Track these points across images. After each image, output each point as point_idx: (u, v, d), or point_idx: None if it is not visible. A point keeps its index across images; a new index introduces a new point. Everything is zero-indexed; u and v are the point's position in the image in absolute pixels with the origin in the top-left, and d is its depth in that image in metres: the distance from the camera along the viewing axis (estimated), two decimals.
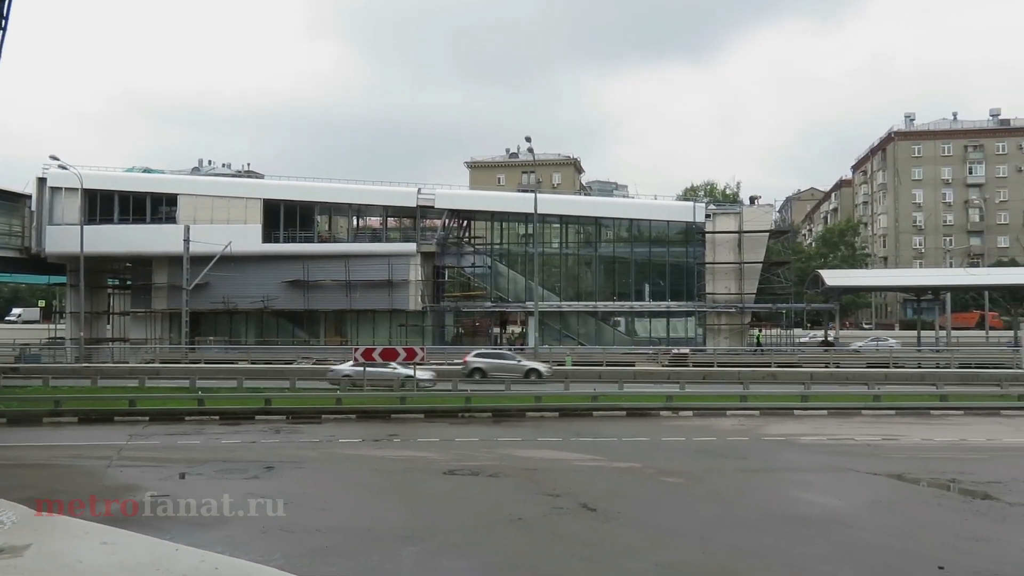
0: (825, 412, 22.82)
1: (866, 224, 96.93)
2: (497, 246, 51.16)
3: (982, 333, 52.68)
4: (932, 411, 23.11)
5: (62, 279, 52.54)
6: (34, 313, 77.17)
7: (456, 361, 39.48)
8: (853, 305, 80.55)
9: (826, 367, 37.15)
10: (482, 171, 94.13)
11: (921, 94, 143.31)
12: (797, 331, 50.24)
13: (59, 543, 3.80)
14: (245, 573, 3.53)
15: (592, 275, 49.70)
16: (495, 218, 51.54)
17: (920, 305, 57.76)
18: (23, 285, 78.23)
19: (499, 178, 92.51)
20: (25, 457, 16.96)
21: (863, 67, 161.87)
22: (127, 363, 40.99)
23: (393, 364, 29.81)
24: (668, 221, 48.38)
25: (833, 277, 50.87)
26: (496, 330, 51.45)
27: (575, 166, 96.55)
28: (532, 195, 44.73)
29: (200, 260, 43.87)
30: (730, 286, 46.46)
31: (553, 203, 50.75)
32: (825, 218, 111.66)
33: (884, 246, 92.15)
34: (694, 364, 38.05)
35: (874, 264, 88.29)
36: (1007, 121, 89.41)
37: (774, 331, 50.36)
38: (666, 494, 13.21)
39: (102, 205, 48.21)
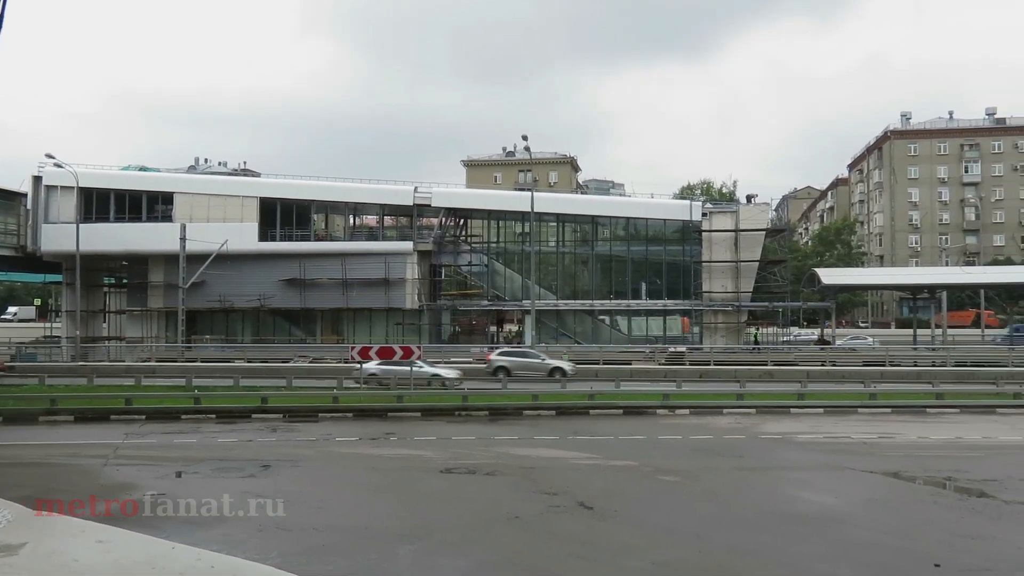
0: (821, 410, 22.83)
1: (862, 223, 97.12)
2: (494, 245, 51.15)
3: (978, 331, 52.82)
4: (928, 409, 23.13)
5: (58, 277, 52.42)
6: (30, 312, 77.05)
7: (453, 359, 39.56)
8: (849, 303, 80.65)
9: (822, 365, 37.22)
10: (479, 170, 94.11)
11: (917, 93, 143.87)
12: (793, 329, 50.34)
13: (55, 542, 3.79)
14: (241, 571, 3.52)
15: (589, 274, 49.72)
16: (492, 217, 51.53)
17: (916, 303, 57.82)
18: (19, 283, 78.04)
19: (496, 177, 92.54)
20: (21, 456, 16.91)
21: (860, 66, 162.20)
22: (123, 362, 40.90)
23: (420, 363, 29.90)
24: (665, 220, 48.40)
25: (829, 275, 50.94)
26: (493, 329, 51.45)
27: (572, 165, 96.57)
28: (529, 194, 44.79)
29: (196, 259, 43.79)
30: (727, 284, 46.51)
31: (550, 202, 50.77)
32: (821, 216, 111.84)
33: (880, 244, 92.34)
34: (691, 363, 38.09)
35: (870, 262, 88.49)
36: (1003, 120, 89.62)
37: (770, 329, 50.43)
38: (663, 492, 13.21)
39: (98, 203, 48.11)
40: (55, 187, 47.51)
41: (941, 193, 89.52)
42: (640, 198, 52.54)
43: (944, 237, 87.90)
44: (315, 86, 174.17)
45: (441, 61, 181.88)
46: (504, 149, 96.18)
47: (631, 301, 47.55)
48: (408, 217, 50.49)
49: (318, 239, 50.99)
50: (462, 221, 53.79)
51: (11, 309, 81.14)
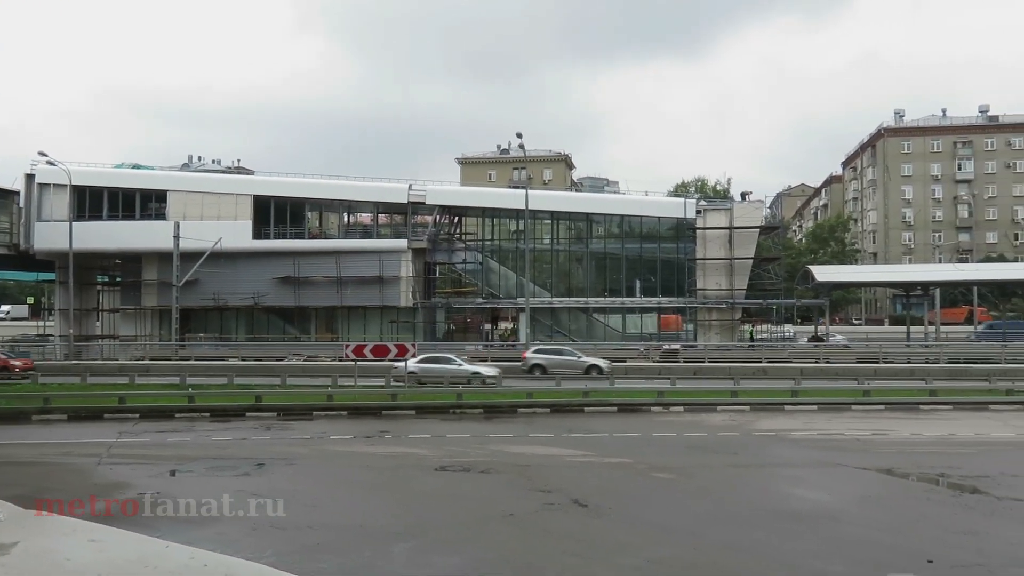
0: (815, 407, 22.88)
1: (856, 220, 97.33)
2: (488, 242, 51.15)
3: (971, 328, 52.99)
4: (921, 406, 23.21)
5: (51, 276, 52.27)
6: (22, 310, 76.86)
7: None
8: (843, 301, 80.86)
9: (816, 362, 37.31)
10: (473, 167, 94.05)
11: (911, 91, 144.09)
12: (787, 327, 50.42)
13: (47, 541, 3.78)
14: (234, 570, 3.52)
15: (583, 271, 49.74)
16: (486, 214, 51.52)
17: (909, 300, 58.03)
18: (11, 282, 77.81)
19: (490, 174, 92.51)
20: (14, 455, 16.85)
21: (854, 64, 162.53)
22: (117, 360, 40.84)
23: (458, 361, 29.96)
24: (659, 217, 48.44)
25: (823, 273, 51.06)
26: (487, 326, 51.44)
27: (566, 162, 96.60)
28: (523, 191, 44.73)
29: (190, 257, 43.68)
30: (721, 282, 46.57)
31: (544, 199, 50.74)
32: (815, 214, 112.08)
33: (874, 242, 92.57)
34: (685, 360, 38.13)
35: (864, 260, 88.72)
36: (996, 118, 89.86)
37: (764, 326, 50.56)
38: (657, 490, 13.23)
39: (91, 201, 47.94)
40: (48, 185, 47.34)
41: (934, 190, 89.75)
42: (634, 196, 52.53)
43: (937, 234, 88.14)
44: (308, 84, 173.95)
45: (435, 58, 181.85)
46: (498, 147, 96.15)
47: (625, 298, 47.57)
48: (402, 215, 50.44)
49: (312, 237, 50.89)
50: (457, 219, 53.74)
51: (3, 308, 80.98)
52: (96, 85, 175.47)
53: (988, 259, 77.10)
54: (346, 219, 53.90)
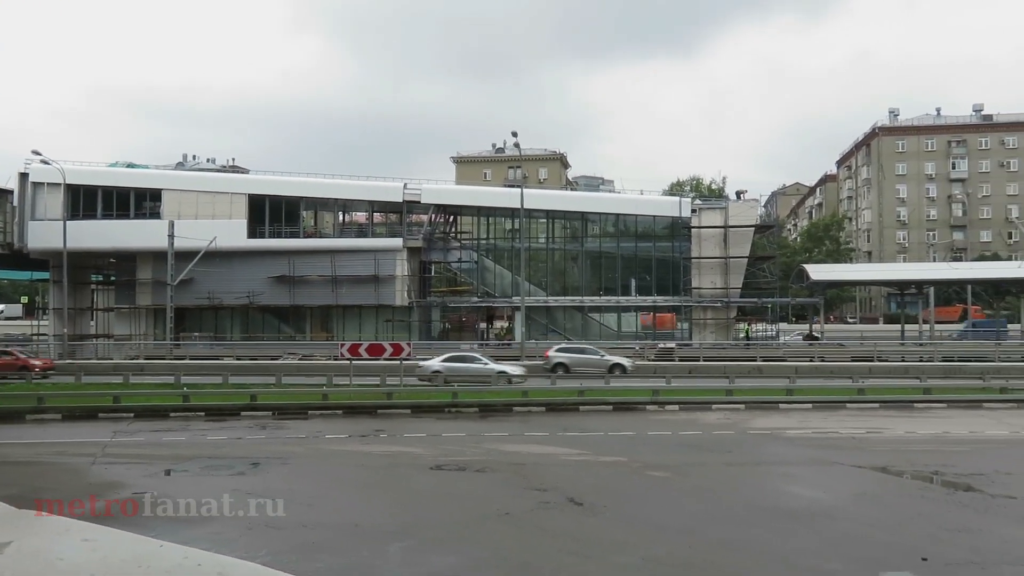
0: (810, 405, 22.93)
1: (850, 219, 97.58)
2: (483, 241, 51.13)
3: (961, 327, 53.13)
4: (916, 404, 23.28)
5: (45, 275, 52.04)
6: (16, 309, 76.58)
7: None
8: (838, 299, 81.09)
9: (811, 361, 37.39)
10: (468, 166, 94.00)
11: (905, 90, 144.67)
12: (783, 325, 50.53)
13: (40, 540, 3.76)
14: (228, 569, 3.50)
15: (578, 270, 49.76)
16: (481, 213, 51.50)
17: (904, 299, 58.27)
18: (5, 281, 77.61)
19: (485, 173, 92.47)
20: (8, 455, 16.79)
21: (848, 63, 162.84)
22: (111, 359, 40.75)
23: (484, 360, 29.85)
24: (654, 216, 48.47)
25: (818, 271, 51.18)
26: (483, 325, 51.42)
27: (561, 161, 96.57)
28: (518, 190, 44.70)
29: (185, 256, 43.58)
30: (716, 281, 46.62)
31: (539, 198, 50.73)
32: (810, 213, 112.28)
33: (868, 240, 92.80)
34: (680, 358, 38.19)
35: (858, 258, 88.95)
36: (990, 117, 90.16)
37: (760, 325, 50.64)
38: (653, 488, 13.24)
39: (85, 200, 47.82)
40: (42, 184, 47.18)
41: (929, 189, 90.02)
42: (630, 195, 52.59)
43: (931, 233, 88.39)
44: (303, 82, 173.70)
45: (429, 58, 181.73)
46: (494, 146, 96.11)
47: (620, 297, 47.59)
48: (398, 214, 50.40)
49: (307, 236, 50.87)
50: (452, 218, 53.71)
51: None
52: (90, 84, 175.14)
53: (982, 258, 77.36)
54: (341, 218, 53.83)
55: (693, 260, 46.62)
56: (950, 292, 60.62)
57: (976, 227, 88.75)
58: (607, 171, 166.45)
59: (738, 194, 51.74)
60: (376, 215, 52.13)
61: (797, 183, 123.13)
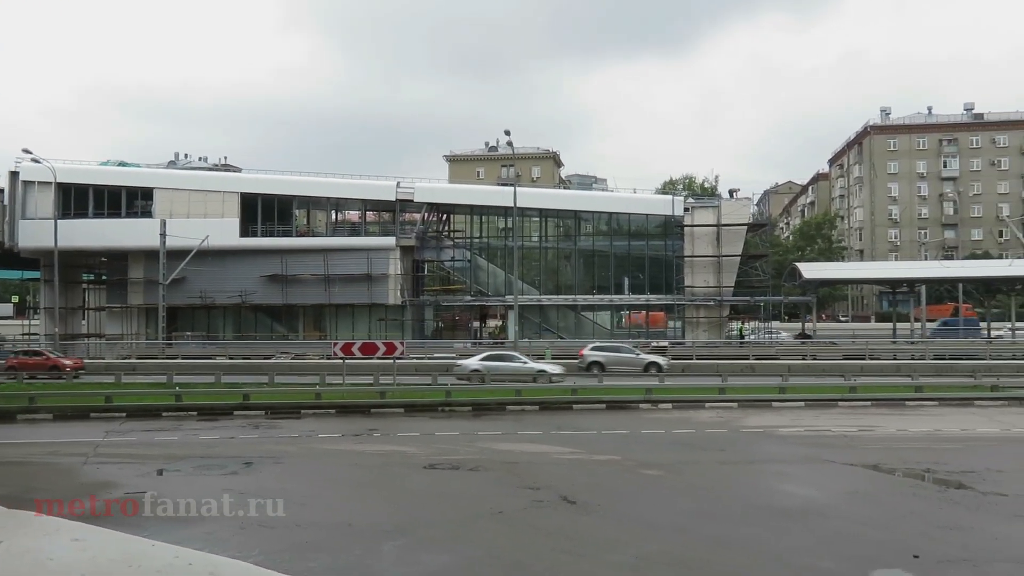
0: (802, 404, 22.99)
1: (842, 217, 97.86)
2: (477, 240, 51.11)
3: (953, 326, 53.32)
4: (907, 402, 23.36)
5: (36, 274, 51.87)
6: (7, 309, 76.23)
7: (437, 355, 39.51)
8: (830, 297, 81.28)
9: (803, 359, 37.49)
10: (461, 165, 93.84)
11: (897, 89, 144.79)
12: (775, 324, 50.65)
13: (29, 540, 3.72)
14: (219, 568, 3.47)
15: (572, 268, 49.79)
16: (474, 212, 51.47)
17: (896, 297, 58.48)
18: None
19: (478, 172, 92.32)
20: None
21: (840, 62, 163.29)
22: (103, 359, 40.58)
23: (523, 358, 29.75)
24: (647, 214, 48.53)
25: (810, 270, 51.31)
26: (476, 324, 51.44)
27: (554, 160, 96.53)
28: (511, 189, 44.73)
29: (177, 254, 43.44)
30: (709, 279, 46.72)
31: (532, 197, 50.73)
32: (802, 211, 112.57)
33: (860, 239, 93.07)
34: (673, 357, 38.20)
35: (850, 257, 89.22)
36: (981, 115, 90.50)
37: (752, 323, 50.76)
38: (646, 486, 13.25)
39: (76, 199, 47.64)
40: (32, 182, 46.98)
41: (920, 188, 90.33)
42: (623, 193, 52.66)
43: (923, 231, 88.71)
44: (295, 81, 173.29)
45: (421, 56, 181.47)
46: (486, 144, 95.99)
47: (614, 296, 47.66)
48: (390, 212, 50.34)
49: (300, 235, 50.78)
50: (445, 216, 53.68)
51: None
52: (81, 82, 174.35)
53: (973, 256, 77.68)
54: (334, 217, 53.75)
55: (686, 259, 46.70)
56: (941, 290, 60.91)
57: (967, 225, 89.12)
58: (600, 170, 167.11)
59: (731, 192, 51.87)
60: (369, 214, 52.06)
61: (789, 182, 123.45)
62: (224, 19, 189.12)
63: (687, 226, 46.99)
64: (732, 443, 17.47)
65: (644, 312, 49.06)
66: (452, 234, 53.51)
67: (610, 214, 49.14)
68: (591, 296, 47.93)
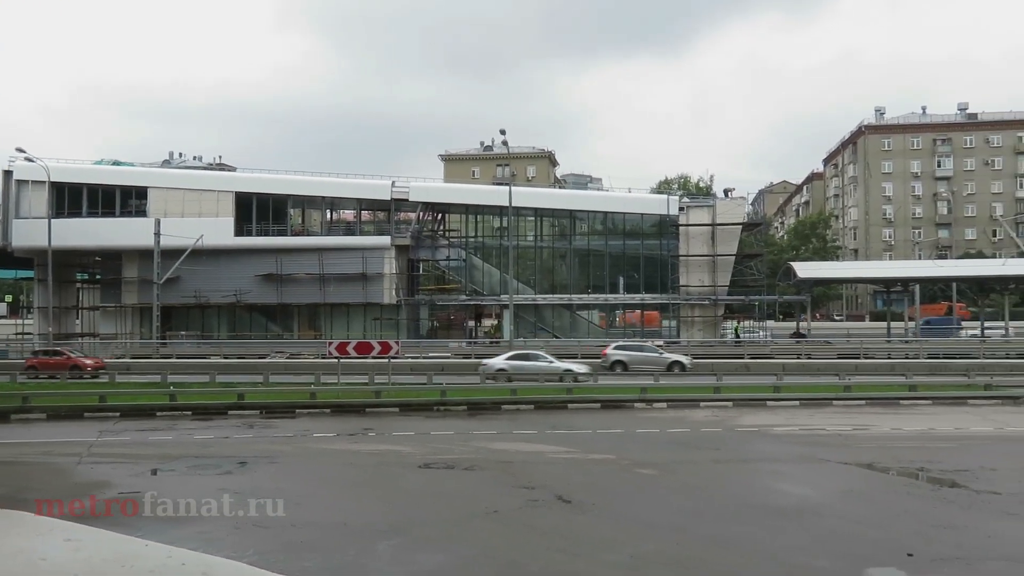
0: (797, 403, 23.02)
1: (837, 216, 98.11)
2: (472, 239, 51.12)
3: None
4: (901, 401, 23.40)
5: (29, 274, 51.71)
6: (1, 308, 75.92)
7: (432, 354, 39.50)
8: (824, 297, 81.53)
9: (798, 358, 37.54)
10: (456, 164, 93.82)
11: (891, 89, 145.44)
12: (770, 323, 50.74)
13: (22, 540, 3.71)
14: (212, 568, 3.47)
15: (567, 268, 49.83)
16: (470, 211, 51.48)
17: (890, 296, 58.61)
18: None
19: (473, 171, 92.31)
20: None
21: (834, 62, 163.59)
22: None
23: (548, 358, 29.58)
24: (642, 214, 48.59)
25: (805, 269, 51.44)
26: (471, 323, 51.43)
27: (550, 159, 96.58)
28: (507, 188, 44.72)
29: (171, 254, 43.35)
30: (703, 278, 46.80)
31: (528, 196, 50.77)
32: (797, 211, 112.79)
33: (855, 238, 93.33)
34: None
35: (845, 256, 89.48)
36: (975, 115, 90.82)
37: (748, 323, 50.84)
38: (641, 485, 13.26)
39: (70, 198, 47.50)
40: (26, 182, 46.83)
41: (914, 187, 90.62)
42: (618, 192, 52.72)
43: (917, 231, 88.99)
44: (290, 80, 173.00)
45: (416, 55, 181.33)
46: (482, 143, 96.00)
47: (609, 295, 47.70)
48: (386, 212, 50.33)
49: (295, 234, 50.74)
50: (440, 216, 53.66)
51: None
52: (74, 81, 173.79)
53: (967, 255, 77.99)
54: (329, 216, 53.68)
55: (681, 258, 46.77)
56: (935, 290, 61.08)
57: (961, 225, 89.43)
58: (595, 169, 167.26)
59: (726, 192, 51.98)
60: (364, 213, 52.02)
61: (784, 181, 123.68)
62: (218, 18, 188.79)
63: (682, 225, 47.04)
64: (727, 442, 17.48)
65: (638, 311, 49.09)
66: (447, 233, 53.51)
67: (605, 213, 49.17)
68: (586, 295, 47.97)
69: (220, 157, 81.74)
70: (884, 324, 52.36)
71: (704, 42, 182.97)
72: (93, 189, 48.07)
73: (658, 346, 39.91)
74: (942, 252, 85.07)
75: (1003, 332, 48.66)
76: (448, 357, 39.49)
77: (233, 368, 33.03)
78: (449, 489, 12.90)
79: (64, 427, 19.97)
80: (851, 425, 19.21)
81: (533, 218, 50.41)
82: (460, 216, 52.72)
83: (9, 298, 76.03)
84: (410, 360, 34.58)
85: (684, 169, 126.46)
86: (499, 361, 29.59)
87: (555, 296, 48.02)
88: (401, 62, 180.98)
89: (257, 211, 47.70)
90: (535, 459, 15.52)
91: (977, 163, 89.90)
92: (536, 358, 29.81)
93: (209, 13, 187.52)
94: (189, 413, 21.52)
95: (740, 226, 48.71)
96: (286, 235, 49.09)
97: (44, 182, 44.51)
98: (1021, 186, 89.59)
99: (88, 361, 33.76)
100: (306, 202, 52.41)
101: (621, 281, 47.62)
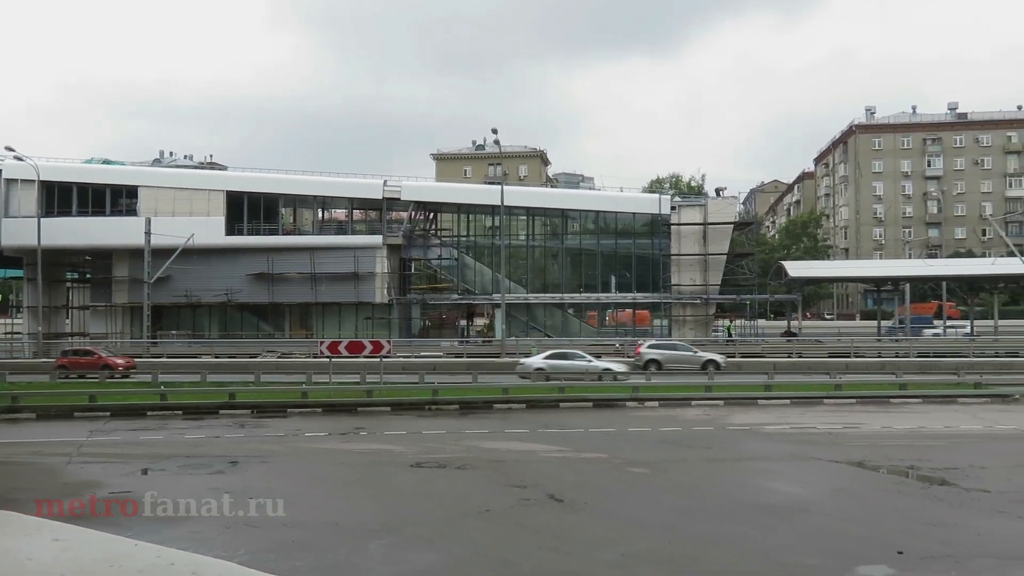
0: (788, 401, 23.09)
1: (828, 216, 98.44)
2: (464, 238, 51.08)
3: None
4: (892, 399, 23.50)
5: (19, 273, 51.45)
6: None
7: (424, 354, 39.47)
8: (815, 296, 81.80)
9: (789, 357, 37.66)
10: (448, 163, 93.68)
11: (882, 88, 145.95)
12: (761, 322, 50.88)
13: (8, 540, 3.68)
14: (201, 568, 3.45)
15: (559, 267, 49.85)
16: (462, 210, 51.44)
17: (880, 295, 58.84)
18: None
19: (465, 170, 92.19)
20: None
21: (825, 61, 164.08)
22: None
23: (587, 357, 29.42)
24: (634, 213, 48.63)
25: (796, 268, 51.57)
26: (463, 322, 51.40)
27: (542, 158, 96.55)
28: (499, 187, 44.72)
29: (162, 253, 43.17)
30: (695, 277, 46.87)
31: (520, 195, 50.74)
32: (788, 210, 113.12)
33: (845, 237, 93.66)
34: None
35: (836, 255, 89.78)
36: (964, 115, 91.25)
37: (739, 322, 50.96)
38: (633, 484, 13.28)
39: (60, 197, 47.25)
40: (15, 180, 46.59)
41: (904, 187, 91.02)
42: (610, 192, 52.77)
43: (907, 230, 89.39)
44: (281, 79, 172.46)
45: (408, 54, 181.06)
46: (474, 142, 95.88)
47: (600, 294, 47.74)
48: (377, 211, 50.21)
49: (286, 233, 50.60)
50: (432, 215, 53.62)
51: None
52: (63, 79, 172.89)
53: (957, 255, 78.35)
54: (320, 215, 53.55)
55: (672, 257, 46.83)
56: (925, 289, 61.32)
57: (951, 224, 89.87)
58: (587, 168, 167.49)
59: (717, 191, 52.06)
60: (356, 212, 51.92)
61: (775, 180, 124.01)
62: (209, 16, 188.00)
63: (674, 225, 47.11)
64: (718, 441, 17.52)
65: (629, 310, 49.15)
66: (439, 232, 53.47)
67: (597, 212, 49.19)
68: (578, 294, 47.99)
69: (211, 156, 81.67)
70: (875, 323, 52.55)
71: (696, 42, 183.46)
72: (83, 188, 47.83)
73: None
74: (932, 251, 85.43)
75: (967, 331, 49.03)
76: (440, 356, 39.48)
77: (224, 367, 32.95)
78: (441, 488, 12.89)
79: (54, 427, 19.89)
80: (842, 423, 19.29)
81: (525, 217, 50.41)
82: (452, 215, 52.66)
83: None
84: (402, 359, 34.54)
85: (676, 168, 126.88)
86: (537, 360, 29.48)
87: (547, 295, 48.04)
88: (393, 61, 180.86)
89: (248, 210, 47.55)
90: (527, 458, 15.53)
91: (967, 162, 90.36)
92: (574, 357, 29.71)
93: (200, 11, 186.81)
94: (180, 413, 21.46)
95: (731, 225, 48.81)
96: (277, 234, 48.96)
97: (34, 181, 44.27)
98: (1011, 185, 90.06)
99: (119, 361, 33.33)
100: (297, 201, 52.28)
101: (613, 280, 47.66)
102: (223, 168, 66.69)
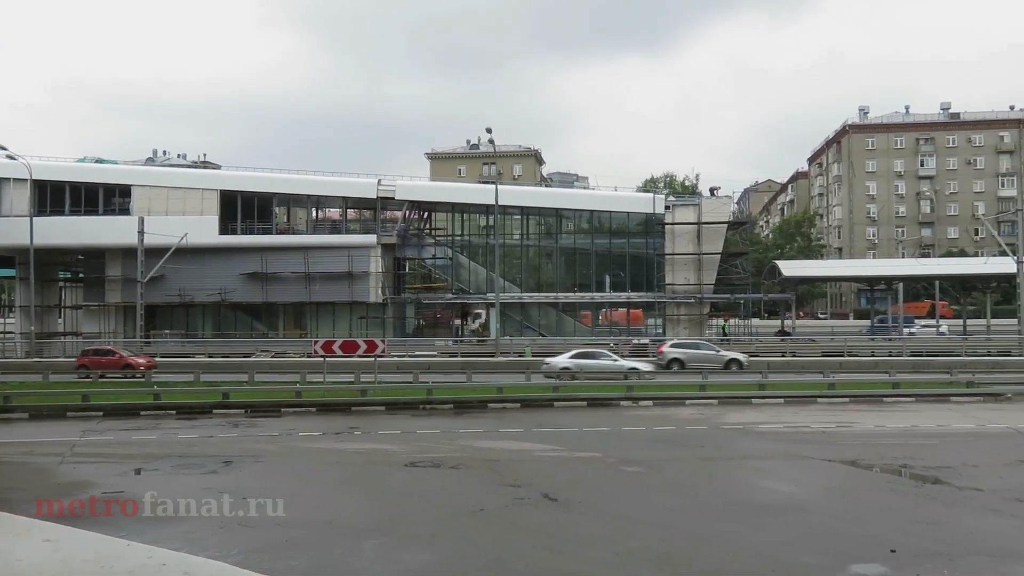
0: (782, 400, 23.13)
1: (822, 215, 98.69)
2: (458, 238, 51.06)
3: (932, 322, 54.00)
4: (885, 398, 23.55)
5: (11, 272, 51.24)
6: None
7: (418, 353, 39.42)
8: (809, 295, 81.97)
9: (783, 356, 37.75)
10: (443, 162, 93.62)
11: (875, 88, 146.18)
12: (755, 321, 50.99)
13: (0, 541, 3.67)
14: (193, 568, 3.44)
15: (553, 266, 49.86)
16: (456, 209, 51.40)
17: (874, 294, 59.07)
18: None
19: (460, 169, 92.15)
20: None
21: (819, 61, 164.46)
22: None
23: (613, 356, 29.37)
24: (628, 212, 48.67)
25: (790, 268, 51.74)
26: (458, 322, 51.37)
27: (536, 158, 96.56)
28: (493, 186, 44.70)
29: (155, 252, 43.00)
30: (689, 277, 46.94)
31: (514, 194, 50.75)
32: (782, 209, 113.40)
33: (839, 237, 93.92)
34: (654, 354, 38.31)
35: (829, 254, 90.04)
36: (957, 115, 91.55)
37: (733, 321, 51.07)
38: (627, 483, 13.29)
39: (53, 196, 47.05)
40: (7, 179, 46.41)
41: (898, 186, 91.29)
42: (604, 191, 52.80)
43: (900, 230, 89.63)
44: (275, 78, 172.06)
45: (403, 54, 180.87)
46: (468, 142, 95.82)
47: (595, 294, 47.76)
48: (372, 210, 50.15)
49: (280, 232, 50.48)
50: (426, 214, 53.56)
51: None
52: (55, 77, 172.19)
53: (949, 254, 78.66)
54: (314, 214, 53.45)
55: (667, 256, 46.90)
56: (919, 288, 61.61)
57: (944, 224, 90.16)
58: (582, 168, 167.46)
59: (711, 191, 52.12)
60: (350, 211, 51.83)
61: (769, 180, 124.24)
62: (203, 15, 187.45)
63: (668, 224, 47.17)
64: (712, 440, 17.55)
65: (622, 309, 49.18)
66: (433, 232, 53.43)
67: (591, 212, 49.21)
68: (572, 294, 48.01)
69: (205, 155, 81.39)
70: (868, 322, 52.72)
71: (690, 42, 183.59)
72: (76, 187, 47.65)
73: (642, 344, 40.09)
74: (925, 251, 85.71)
75: (937, 330, 49.32)
76: (435, 356, 39.46)
77: (218, 367, 32.88)
78: (435, 487, 12.89)
79: (47, 427, 19.82)
80: (835, 422, 19.33)
81: (519, 216, 50.41)
82: (446, 214, 52.63)
83: None
84: (396, 359, 34.51)
85: (670, 168, 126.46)
86: (563, 360, 29.47)
87: (541, 294, 48.04)
88: (387, 61, 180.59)
89: (242, 209, 47.43)
90: (521, 457, 15.53)
91: (960, 162, 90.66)
92: (600, 356, 29.76)
93: (194, 10, 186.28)
94: (173, 412, 21.39)
95: (725, 225, 48.89)
96: (271, 233, 48.84)
97: (26, 180, 44.08)
98: (1003, 185, 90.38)
99: (140, 360, 33.20)
100: (291, 200, 52.19)
101: (607, 279, 47.69)
102: (217, 167, 66.47)
